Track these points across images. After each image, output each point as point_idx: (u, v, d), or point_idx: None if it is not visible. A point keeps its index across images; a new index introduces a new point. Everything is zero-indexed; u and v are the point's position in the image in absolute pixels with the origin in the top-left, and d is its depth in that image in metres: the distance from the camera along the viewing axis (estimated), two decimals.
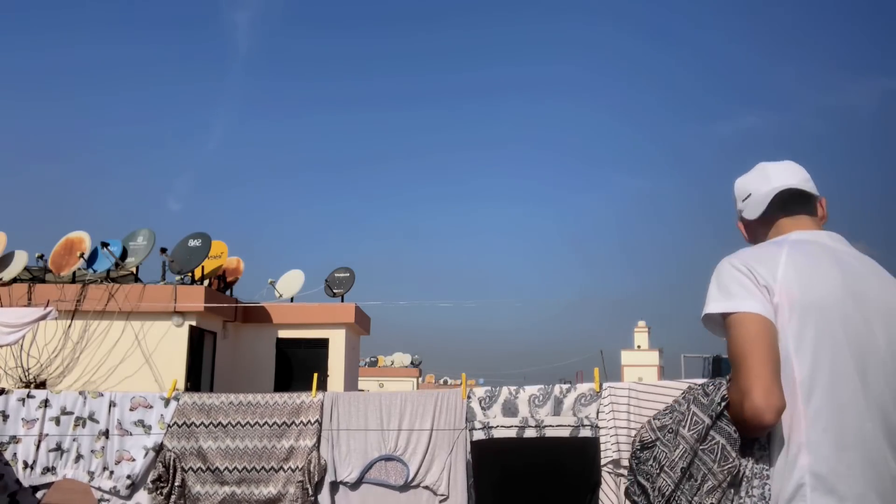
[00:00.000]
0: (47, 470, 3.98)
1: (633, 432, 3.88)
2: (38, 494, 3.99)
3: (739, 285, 1.80)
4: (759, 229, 2.11)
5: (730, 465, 1.85)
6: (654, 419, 2.13)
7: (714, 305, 1.83)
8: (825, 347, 1.72)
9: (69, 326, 12.49)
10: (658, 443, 2.05)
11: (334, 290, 16.56)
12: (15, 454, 3.97)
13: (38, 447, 3.97)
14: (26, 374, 12.08)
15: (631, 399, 3.93)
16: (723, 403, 1.89)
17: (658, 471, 2.00)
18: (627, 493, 2.18)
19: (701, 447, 1.92)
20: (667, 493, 1.93)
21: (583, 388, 4.04)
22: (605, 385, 4.02)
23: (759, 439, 1.82)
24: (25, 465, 3.96)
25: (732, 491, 1.86)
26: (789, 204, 2.05)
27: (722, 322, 1.83)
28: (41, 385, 11.80)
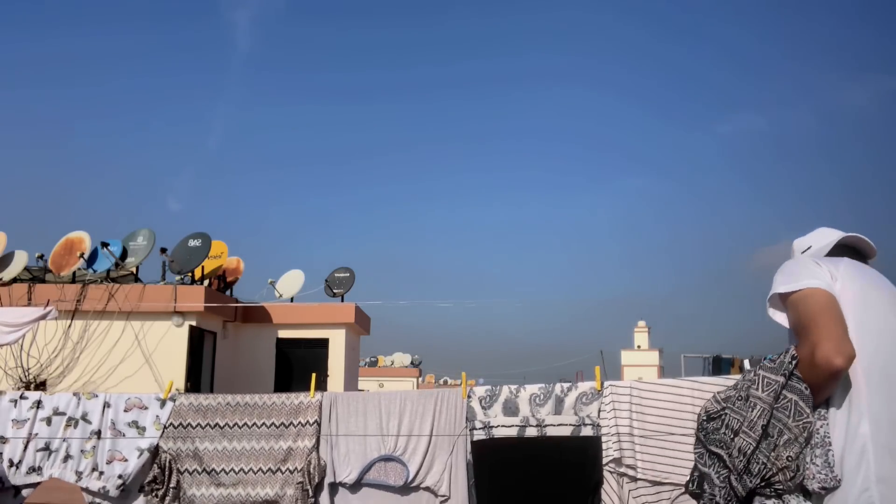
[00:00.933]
0: (32, 470, 3.91)
1: (636, 431, 3.87)
2: (24, 493, 3.93)
3: (804, 268, 2.02)
4: None
5: (805, 420, 1.93)
6: (717, 394, 2.26)
7: (782, 287, 2.02)
8: (884, 333, 1.91)
9: (69, 326, 12.48)
10: (727, 410, 2.15)
11: (334, 290, 16.54)
12: (1, 454, 3.91)
13: (25, 447, 3.92)
14: (26, 374, 12.06)
15: (633, 398, 3.92)
16: (793, 362, 1.98)
17: (733, 435, 2.07)
18: (695, 467, 2.23)
19: (775, 405, 1.99)
20: (748, 452, 1.99)
21: (584, 386, 4.02)
22: (606, 384, 4.00)
23: (820, 409, 1.94)
24: (11, 463, 3.90)
25: (809, 448, 1.93)
26: (846, 252, 2.25)
27: (784, 307, 2.05)
28: (41, 385, 11.79)
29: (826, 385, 1.91)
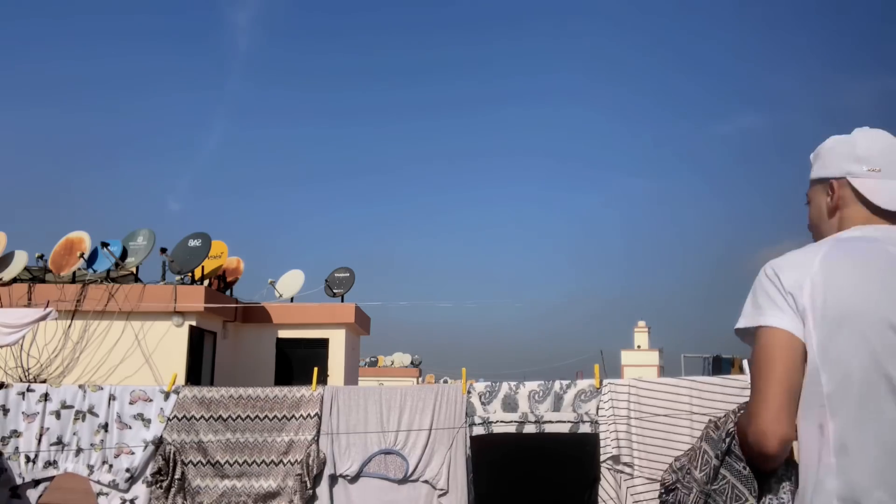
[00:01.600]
0: (49, 464, 3.99)
1: (633, 428, 3.89)
2: (40, 487, 3.99)
3: (766, 296, 1.57)
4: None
5: None
6: (675, 460, 1.97)
7: (741, 321, 1.62)
8: (856, 358, 1.46)
9: (69, 326, 12.49)
10: (678, 485, 1.91)
11: (334, 290, 16.56)
12: (17, 448, 3.97)
13: (39, 441, 3.98)
14: (26, 374, 12.07)
15: (631, 395, 3.94)
16: (727, 439, 1.73)
17: None
18: None
19: (712, 488, 1.76)
20: None
21: (583, 384, 4.05)
22: (605, 381, 4.03)
23: (781, 484, 1.64)
24: (27, 458, 3.96)
25: None
26: None
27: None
28: (40, 383, 11.79)
29: (762, 467, 1.62)
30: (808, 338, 1.51)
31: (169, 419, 4.03)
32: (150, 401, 4.07)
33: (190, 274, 13.59)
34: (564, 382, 4.06)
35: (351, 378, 16.13)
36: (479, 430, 3.98)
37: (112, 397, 4.07)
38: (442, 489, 3.98)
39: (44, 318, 6.50)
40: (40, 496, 4.00)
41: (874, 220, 1.59)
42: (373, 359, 36.11)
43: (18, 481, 3.96)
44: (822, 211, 1.67)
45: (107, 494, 3.95)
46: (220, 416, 4.05)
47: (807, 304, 1.51)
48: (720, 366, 14.86)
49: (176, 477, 3.92)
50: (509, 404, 4.02)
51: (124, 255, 13.90)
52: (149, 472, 3.97)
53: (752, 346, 1.61)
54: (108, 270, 13.71)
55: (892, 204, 1.57)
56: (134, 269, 14.07)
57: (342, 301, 16.37)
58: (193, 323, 12.97)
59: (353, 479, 4.04)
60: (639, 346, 44.27)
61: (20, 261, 13.79)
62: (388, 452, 4.05)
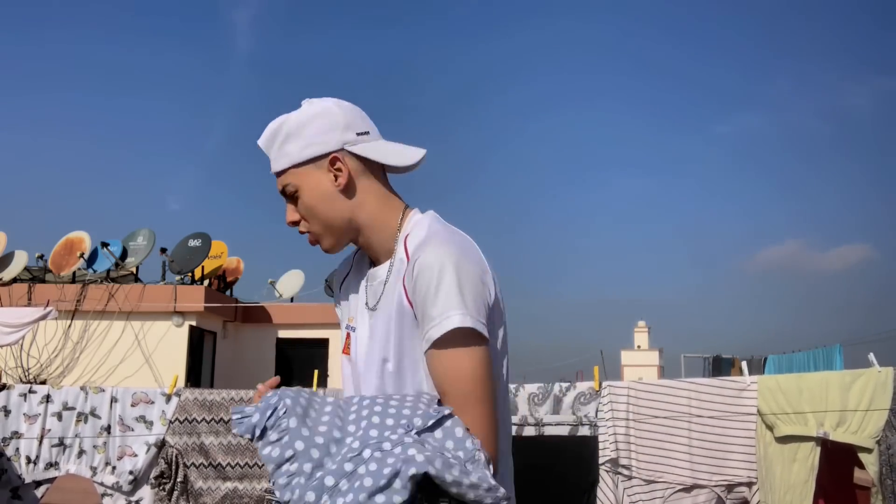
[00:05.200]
0: (50, 465, 4.01)
1: (632, 431, 3.91)
2: (41, 489, 4.01)
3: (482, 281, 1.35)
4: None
5: None
6: None
7: (468, 320, 1.26)
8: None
9: (69, 326, 12.50)
10: None
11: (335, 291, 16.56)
12: (17, 449, 4.00)
13: (40, 443, 4.00)
14: (26, 374, 12.09)
15: (630, 398, 3.96)
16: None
17: None
18: None
19: None
20: None
21: (582, 386, 4.06)
22: (604, 384, 4.04)
23: None
24: (28, 460, 3.98)
25: None
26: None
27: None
28: (41, 385, 11.82)
29: None
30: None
31: (171, 421, 4.06)
32: (152, 403, 4.09)
33: (190, 274, 13.60)
34: (564, 385, 4.08)
35: None
36: None
37: (114, 399, 4.09)
38: None
39: (44, 317, 6.53)
40: (41, 497, 4.02)
41: (392, 193, 1.45)
42: None
43: (19, 483, 3.98)
44: (330, 192, 1.39)
45: (111, 496, 3.97)
46: (222, 418, 4.07)
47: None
48: (720, 366, 14.88)
49: (178, 479, 3.95)
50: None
51: (124, 255, 13.91)
52: (152, 474, 3.99)
53: (467, 346, 1.25)
54: (108, 270, 13.73)
55: (405, 159, 1.43)
56: (134, 269, 14.08)
57: None
58: (193, 323, 12.99)
59: None
60: (639, 347, 44.28)
61: (20, 261, 13.80)
62: None
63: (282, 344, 15.09)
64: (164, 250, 13.84)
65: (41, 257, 14.06)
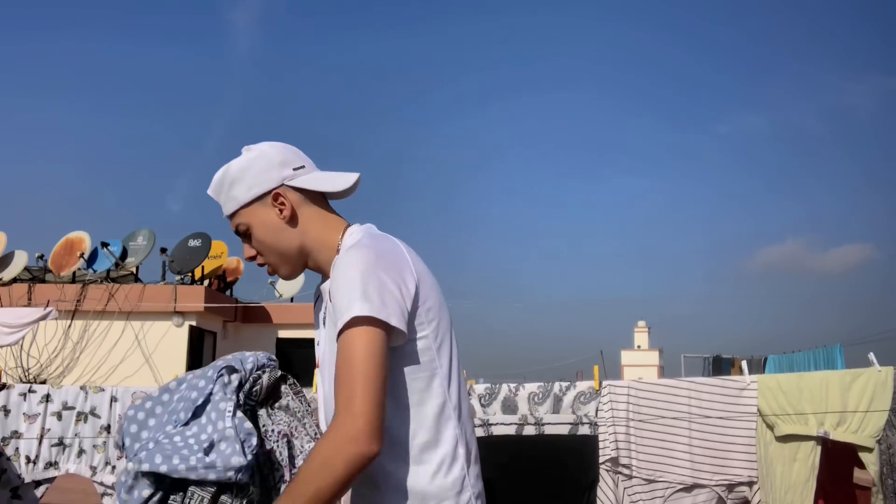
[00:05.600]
0: (50, 465, 4.01)
1: (632, 430, 3.91)
2: (41, 489, 4.01)
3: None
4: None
5: None
6: None
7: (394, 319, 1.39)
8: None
9: (69, 326, 12.50)
10: None
11: None
12: (17, 449, 3.99)
13: (40, 442, 4.00)
14: (26, 374, 12.08)
15: (630, 397, 3.95)
16: None
17: None
18: None
19: None
20: None
21: (582, 386, 4.06)
22: (604, 383, 4.04)
23: None
24: (28, 459, 3.98)
25: None
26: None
27: None
28: (41, 384, 11.80)
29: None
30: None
31: None
32: None
33: (190, 274, 13.60)
34: (564, 384, 4.08)
35: None
36: (478, 432, 4.00)
37: (114, 399, 4.09)
38: None
39: (44, 317, 6.53)
40: (41, 497, 4.02)
41: (333, 215, 1.60)
42: None
43: (19, 482, 3.98)
44: (277, 224, 1.53)
45: (111, 496, 3.97)
46: None
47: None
48: (720, 366, 14.87)
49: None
50: (509, 406, 4.03)
51: (124, 255, 13.91)
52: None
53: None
54: (108, 270, 13.72)
55: (339, 185, 1.57)
56: (134, 269, 14.08)
57: None
58: (193, 323, 12.99)
59: None
60: (639, 346, 44.28)
61: (20, 261, 13.80)
62: None
63: (282, 344, 15.08)
64: (164, 250, 13.83)
65: (41, 257, 14.06)
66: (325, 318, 1.54)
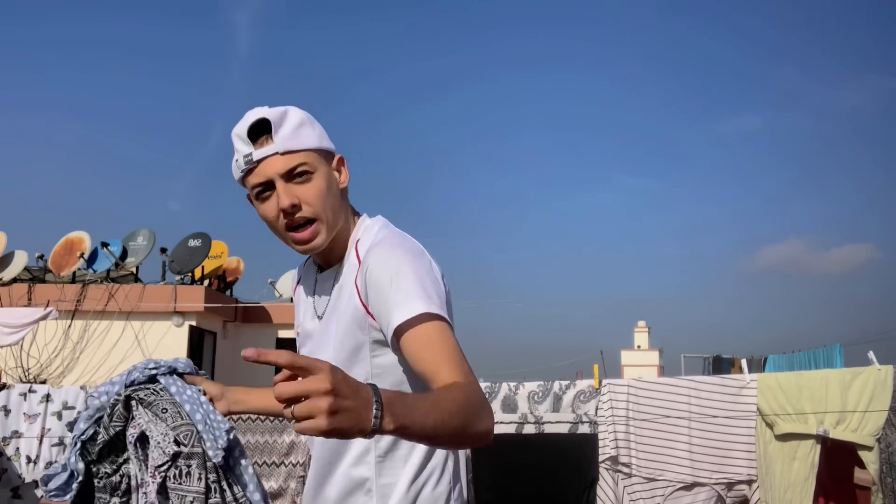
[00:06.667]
0: (50, 464, 4.01)
1: (632, 429, 3.91)
2: (41, 488, 4.02)
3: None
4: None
5: None
6: None
7: (431, 306, 1.24)
8: None
9: (69, 326, 12.50)
10: None
11: None
12: (17, 448, 4.00)
13: (40, 442, 4.00)
14: (26, 374, 12.08)
15: (630, 396, 3.96)
16: None
17: None
18: None
19: None
20: None
21: (582, 384, 4.07)
22: (604, 382, 4.05)
23: None
24: (28, 459, 3.98)
25: None
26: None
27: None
28: (41, 384, 11.80)
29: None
30: None
31: None
32: None
33: (190, 274, 13.60)
34: (564, 383, 4.08)
35: None
36: None
37: None
38: None
39: (44, 317, 6.53)
40: (42, 497, 4.02)
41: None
42: None
43: (19, 482, 3.98)
44: (336, 186, 1.40)
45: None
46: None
47: None
48: (720, 366, 14.85)
49: None
50: (509, 405, 4.04)
51: (124, 255, 13.91)
52: None
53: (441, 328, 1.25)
54: (108, 270, 13.73)
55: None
56: (134, 269, 14.08)
57: None
58: (193, 323, 12.99)
59: None
60: (639, 346, 44.26)
61: (20, 261, 13.80)
62: None
63: (282, 344, 15.08)
64: (164, 250, 13.83)
65: (41, 257, 14.06)
66: (320, 312, 1.43)
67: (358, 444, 1.34)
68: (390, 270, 1.27)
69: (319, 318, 1.44)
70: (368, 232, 1.41)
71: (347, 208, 1.44)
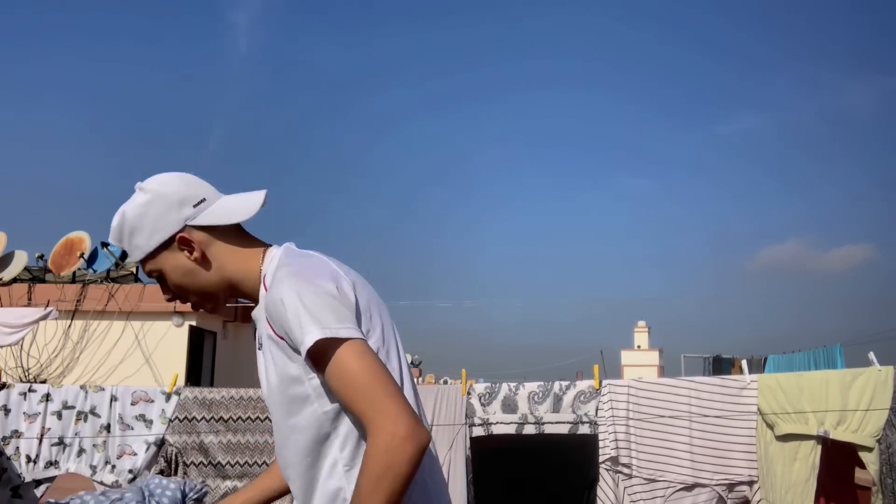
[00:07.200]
0: (50, 464, 4.01)
1: (632, 429, 3.90)
2: (41, 488, 4.01)
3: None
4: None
5: None
6: None
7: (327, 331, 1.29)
8: None
9: (69, 326, 12.49)
10: None
11: None
12: (17, 448, 3.99)
13: (40, 441, 4.00)
14: (26, 374, 12.08)
15: (630, 396, 3.95)
16: None
17: None
18: None
19: None
20: None
21: (582, 385, 4.06)
22: (604, 382, 4.04)
23: None
24: (28, 459, 3.98)
25: None
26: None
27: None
28: (41, 384, 11.79)
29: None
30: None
31: (171, 420, 4.06)
32: (152, 402, 4.09)
33: None
34: (564, 383, 4.08)
35: None
36: (478, 432, 4.00)
37: (114, 398, 4.09)
38: None
39: (44, 317, 6.51)
40: (41, 496, 4.02)
41: (249, 241, 1.51)
42: None
43: (19, 481, 3.98)
44: (189, 267, 1.46)
45: None
46: (221, 417, 4.07)
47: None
48: (720, 366, 14.85)
49: (178, 478, 3.95)
50: (509, 405, 4.03)
51: (124, 255, 13.90)
52: (152, 473, 3.99)
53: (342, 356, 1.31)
54: (108, 270, 13.72)
55: (245, 213, 1.48)
56: (134, 269, 14.07)
57: None
58: (193, 323, 12.98)
59: None
60: (639, 346, 44.29)
61: (20, 261, 13.79)
62: None
63: None
64: None
65: (41, 257, 14.05)
66: (260, 344, 1.47)
67: (329, 458, 1.37)
68: (282, 307, 1.32)
69: (259, 349, 1.48)
70: (272, 264, 1.45)
71: (220, 267, 1.47)
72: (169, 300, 1.54)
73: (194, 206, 1.45)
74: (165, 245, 1.45)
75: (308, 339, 1.26)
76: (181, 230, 1.45)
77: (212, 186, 1.52)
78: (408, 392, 1.39)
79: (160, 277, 1.49)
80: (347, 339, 1.28)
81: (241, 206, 1.49)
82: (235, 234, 1.50)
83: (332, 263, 1.44)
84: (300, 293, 1.31)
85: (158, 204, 1.44)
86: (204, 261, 1.46)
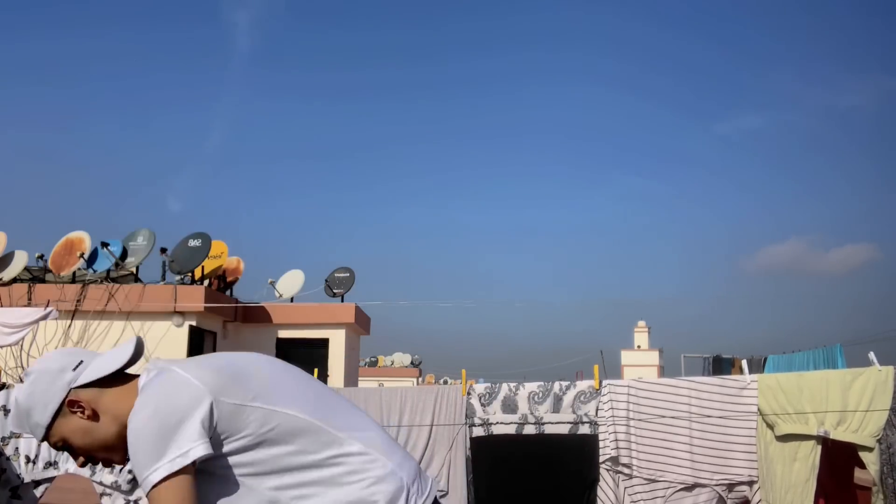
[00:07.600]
0: (49, 464, 4.00)
1: (632, 429, 3.90)
2: (40, 488, 4.01)
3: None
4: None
5: None
6: None
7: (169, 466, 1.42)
8: None
9: (69, 326, 12.49)
10: None
11: (334, 290, 16.55)
12: (17, 448, 3.99)
13: (39, 442, 4.00)
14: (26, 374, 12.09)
15: (630, 397, 3.95)
16: None
17: None
18: None
19: None
20: None
21: (582, 385, 4.06)
22: (604, 383, 4.04)
23: None
24: (28, 459, 3.98)
25: None
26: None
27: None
28: None
29: None
30: None
31: None
32: None
33: (190, 274, 13.59)
34: (564, 384, 4.07)
35: (351, 378, 16.11)
36: (478, 432, 3.99)
37: None
38: (442, 490, 3.99)
39: (44, 317, 6.52)
40: (41, 496, 4.02)
41: (130, 379, 1.65)
42: (373, 359, 36.10)
43: (18, 482, 3.97)
44: (86, 426, 1.59)
45: (110, 495, 3.97)
46: None
47: None
48: (720, 366, 14.84)
49: None
50: (509, 405, 4.03)
51: (124, 255, 13.90)
52: None
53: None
54: (108, 270, 13.72)
55: (119, 362, 1.64)
56: (134, 269, 14.07)
57: (342, 301, 16.35)
58: (193, 323, 12.98)
59: None
60: (639, 346, 44.26)
61: (20, 261, 13.79)
62: None
63: (282, 344, 15.08)
64: (164, 250, 13.82)
65: (41, 257, 14.05)
66: None
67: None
68: (131, 440, 1.44)
69: None
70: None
71: (112, 417, 1.58)
72: (82, 465, 1.63)
73: (73, 369, 1.60)
74: (59, 412, 1.58)
75: (146, 483, 1.39)
76: (68, 395, 1.57)
77: (87, 350, 1.68)
78: (344, 416, 1.57)
79: (67, 447, 1.60)
80: (173, 474, 1.38)
81: (112, 360, 1.64)
82: (120, 380, 1.63)
83: (197, 366, 1.58)
84: (139, 433, 1.43)
85: (42, 379, 1.59)
86: (96, 416, 1.58)
